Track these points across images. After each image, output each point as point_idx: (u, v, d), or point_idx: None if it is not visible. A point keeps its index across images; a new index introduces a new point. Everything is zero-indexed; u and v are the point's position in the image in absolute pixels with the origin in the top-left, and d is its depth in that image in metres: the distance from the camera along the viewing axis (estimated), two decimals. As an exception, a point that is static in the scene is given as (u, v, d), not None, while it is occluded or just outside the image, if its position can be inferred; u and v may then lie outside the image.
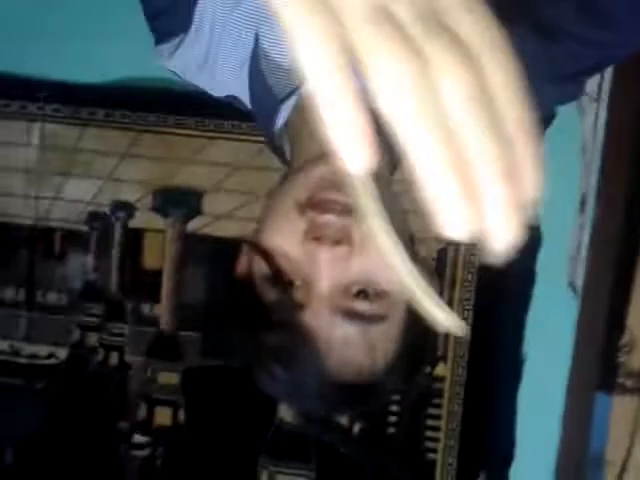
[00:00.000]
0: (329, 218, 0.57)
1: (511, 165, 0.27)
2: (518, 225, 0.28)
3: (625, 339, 1.28)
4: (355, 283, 0.58)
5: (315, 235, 0.56)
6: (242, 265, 0.63)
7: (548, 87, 0.65)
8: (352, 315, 0.57)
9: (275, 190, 0.63)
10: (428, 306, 0.29)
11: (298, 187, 0.60)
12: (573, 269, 1.33)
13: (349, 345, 0.57)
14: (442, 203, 0.27)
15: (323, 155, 0.61)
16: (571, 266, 1.33)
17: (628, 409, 1.29)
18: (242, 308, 0.63)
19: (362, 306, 0.58)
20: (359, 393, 0.61)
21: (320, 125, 0.30)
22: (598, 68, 0.66)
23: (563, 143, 1.27)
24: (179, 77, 0.72)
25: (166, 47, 0.69)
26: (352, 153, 0.27)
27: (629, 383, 1.29)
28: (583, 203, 1.31)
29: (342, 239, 0.57)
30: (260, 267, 0.60)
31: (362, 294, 0.58)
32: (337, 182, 0.59)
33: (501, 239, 0.28)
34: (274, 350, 0.59)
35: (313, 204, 0.58)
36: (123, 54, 1.36)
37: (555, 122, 1.25)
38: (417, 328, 0.62)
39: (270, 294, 0.59)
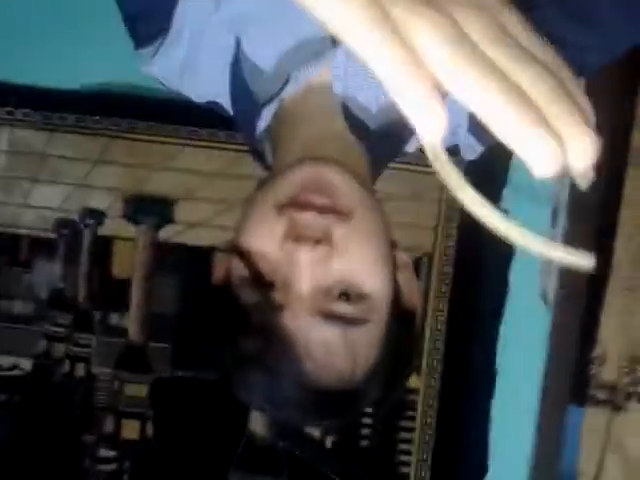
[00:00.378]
0: (309, 217, 0.55)
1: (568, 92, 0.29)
2: (592, 140, 0.29)
3: (597, 351, 1.28)
4: (336, 284, 0.56)
5: (295, 235, 0.55)
6: (219, 271, 0.61)
7: None
8: (332, 317, 0.55)
9: (254, 193, 0.62)
10: (561, 255, 0.29)
11: (278, 189, 0.58)
12: (545, 282, 1.32)
13: (329, 348, 0.55)
14: (530, 144, 0.28)
15: (304, 158, 0.60)
16: (543, 279, 1.32)
17: (600, 421, 1.29)
18: (218, 315, 0.60)
19: (343, 309, 0.56)
20: (339, 401, 0.58)
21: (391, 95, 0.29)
22: (581, 72, 0.65)
23: (536, 156, 1.27)
24: (161, 84, 0.70)
25: (145, 51, 0.67)
26: (424, 120, 0.28)
27: (601, 395, 1.28)
28: (555, 215, 1.31)
29: (322, 239, 0.55)
30: (239, 270, 0.57)
31: (343, 296, 0.56)
32: (318, 185, 0.57)
33: (583, 159, 0.29)
34: (252, 356, 0.56)
35: (293, 204, 0.56)
36: (95, 59, 1.33)
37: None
38: (399, 334, 0.60)
39: (249, 297, 0.57)
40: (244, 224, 0.59)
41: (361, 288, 0.56)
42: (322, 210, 0.55)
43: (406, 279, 0.62)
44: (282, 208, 0.56)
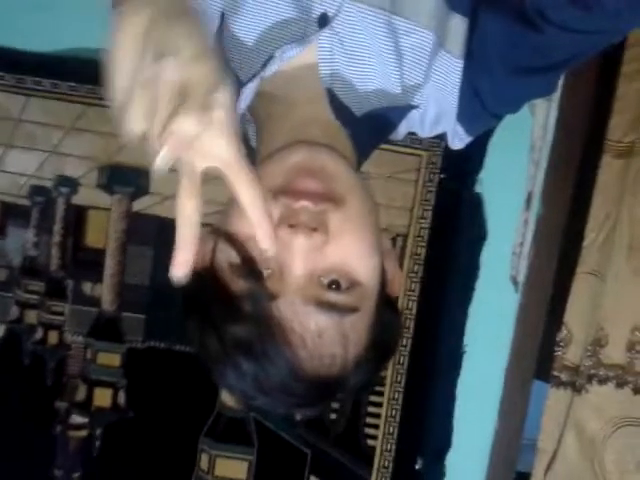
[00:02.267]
0: (305, 204, 0.52)
1: None
2: None
3: (562, 334, 1.27)
4: (329, 272, 0.54)
5: (290, 222, 0.52)
6: (202, 255, 0.56)
7: (523, 80, 0.61)
8: (326, 305, 0.53)
9: None
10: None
11: (273, 173, 0.55)
12: (515, 264, 1.30)
13: (322, 337, 0.53)
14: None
15: (297, 142, 0.57)
16: (514, 261, 1.30)
17: (561, 402, 1.29)
18: (204, 300, 0.56)
19: (335, 297, 0.54)
20: (328, 387, 0.56)
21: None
22: (576, 59, 0.62)
23: (513, 141, 1.24)
24: None
25: None
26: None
27: (564, 377, 1.28)
28: (529, 200, 1.28)
29: (318, 226, 0.52)
30: (228, 255, 0.54)
31: (334, 284, 0.54)
32: (312, 169, 0.54)
33: None
34: (242, 343, 0.53)
35: (288, 190, 0.53)
36: (73, 24, 1.26)
37: (505, 120, 1.21)
38: (385, 322, 0.58)
39: (239, 284, 0.53)
40: (235, 207, 0.54)
41: (354, 276, 0.54)
42: (317, 198, 0.52)
43: (390, 265, 0.60)
44: (277, 194, 0.53)
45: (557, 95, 1.24)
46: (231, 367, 0.54)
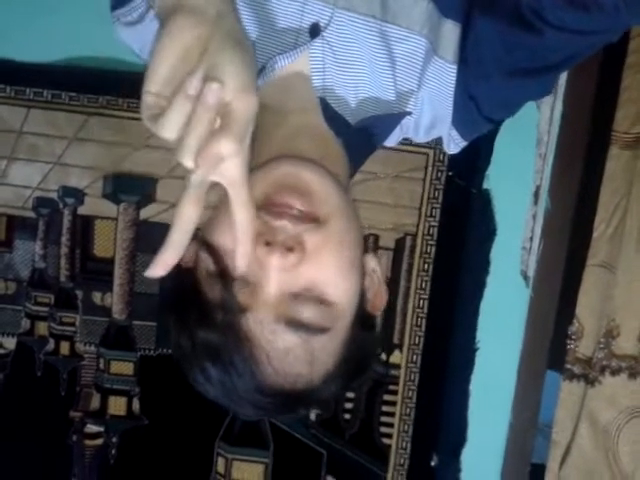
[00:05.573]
0: (284, 224, 0.50)
1: None
2: None
3: (573, 327, 1.23)
4: (303, 292, 0.52)
5: (267, 239, 0.50)
6: (188, 257, 0.54)
7: (520, 83, 0.58)
8: (296, 324, 0.51)
9: None
10: None
11: (255, 187, 0.52)
12: (525, 259, 1.25)
13: (289, 355, 0.51)
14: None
15: (282, 156, 0.53)
16: (523, 256, 1.26)
17: (575, 394, 1.24)
18: (183, 302, 0.54)
19: (307, 316, 0.52)
20: (293, 401, 0.54)
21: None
22: (573, 59, 0.59)
23: (519, 136, 1.19)
24: (136, 54, 0.63)
25: (122, 13, 0.59)
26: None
27: (576, 370, 1.23)
28: (537, 194, 1.23)
29: (294, 246, 0.50)
30: (206, 263, 0.52)
31: (308, 304, 0.52)
32: (295, 187, 0.52)
33: None
34: (211, 350, 0.51)
35: (269, 207, 0.51)
36: (72, 33, 1.20)
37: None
38: (359, 340, 0.55)
39: (213, 292, 0.52)
40: (217, 217, 0.52)
41: (328, 296, 0.52)
42: (297, 219, 0.50)
43: (372, 283, 0.58)
44: (257, 209, 0.50)
45: (561, 89, 1.19)
46: (199, 371, 0.53)
